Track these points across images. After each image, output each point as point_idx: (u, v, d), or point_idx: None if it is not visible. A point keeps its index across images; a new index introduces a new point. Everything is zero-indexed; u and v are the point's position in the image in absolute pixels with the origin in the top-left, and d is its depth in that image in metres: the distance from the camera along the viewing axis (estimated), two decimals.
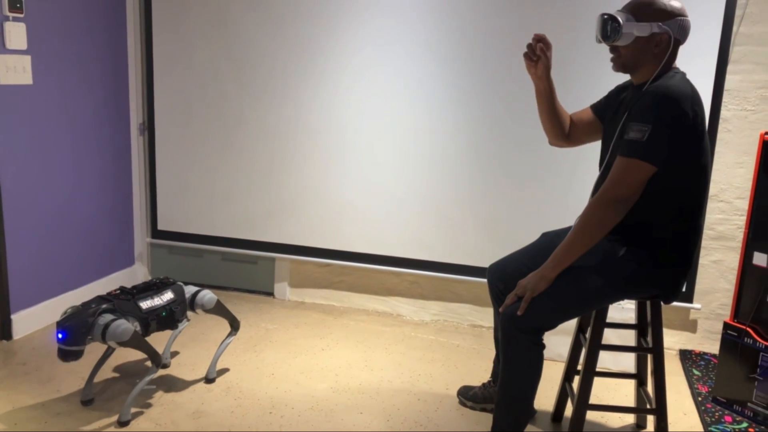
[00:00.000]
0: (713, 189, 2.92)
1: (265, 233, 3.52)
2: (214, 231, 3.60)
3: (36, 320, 3.05)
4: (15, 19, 2.78)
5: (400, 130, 3.21)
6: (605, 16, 1.91)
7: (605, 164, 2.02)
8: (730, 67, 2.81)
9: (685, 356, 3.02)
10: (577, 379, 2.17)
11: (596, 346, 2.06)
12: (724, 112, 2.86)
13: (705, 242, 2.97)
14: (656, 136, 1.79)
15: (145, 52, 3.53)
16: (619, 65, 1.97)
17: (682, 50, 2.76)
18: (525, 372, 1.99)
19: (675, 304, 2.98)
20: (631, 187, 1.84)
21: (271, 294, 3.65)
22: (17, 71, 2.83)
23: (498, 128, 3.09)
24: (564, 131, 2.23)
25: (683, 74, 1.92)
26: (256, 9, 3.30)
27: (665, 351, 3.10)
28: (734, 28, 2.77)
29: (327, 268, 3.52)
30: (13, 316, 2.93)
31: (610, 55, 1.99)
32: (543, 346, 1.99)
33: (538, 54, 2.09)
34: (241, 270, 3.71)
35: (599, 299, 1.96)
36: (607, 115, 2.12)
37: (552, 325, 1.96)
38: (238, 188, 3.51)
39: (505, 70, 3.03)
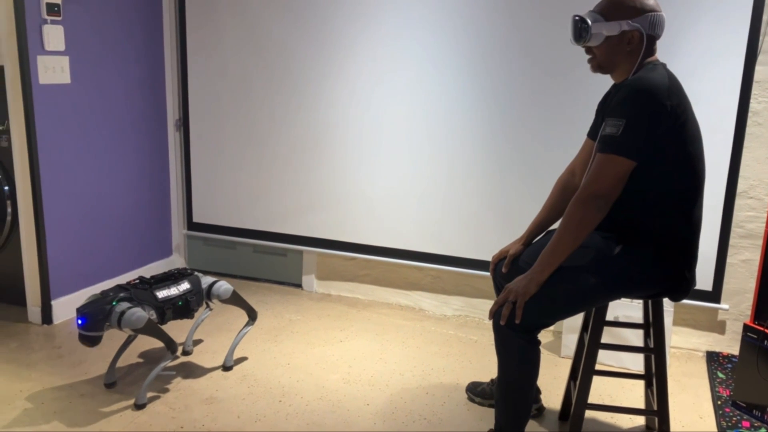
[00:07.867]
0: (742, 185, 2.80)
1: (294, 227, 3.60)
2: (246, 224, 3.71)
3: (76, 306, 3.23)
4: (53, 22, 2.94)
5: (423, 129, 3.22)
6: (576, 18, 1.90)
7: (589, 164, 1.98)
8: (760, 58, 2.68)
9: (712, 358, 2.92)
10: None
11: (595, 345, 2.03)
12: (753, 105, 2.73)
13: (734, 240, 2.86)
14: (631, 130, 1.76)
15: (179, 51, 3.66)
16: (596, 66, 1.96)
17: (707, 41, 2.67)
18: (521, 370, 1.97)
19: (702, 304, 2.88)
20: (609, 182, 1.80)
21: (299, 286, 3.74)
22: (56, 71, 3.00)
23: (518, 125, 3.05)
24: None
25: (663, 65, 1.88)
26: (286, 9, 3.37)
27: (691, 352, 3.00)
28: (765, 17, 2.64)
29: (352, 262, 3.57)
30: (53, 302, 3.12)
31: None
32: (538, 343, 1.97)
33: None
34: (272, 262, 3.81)
35: (594, 298, 1.93)
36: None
37: (546, 324, 1.94)
38: (269, 184, 3.60)
39: (524, 68, 2.99)
